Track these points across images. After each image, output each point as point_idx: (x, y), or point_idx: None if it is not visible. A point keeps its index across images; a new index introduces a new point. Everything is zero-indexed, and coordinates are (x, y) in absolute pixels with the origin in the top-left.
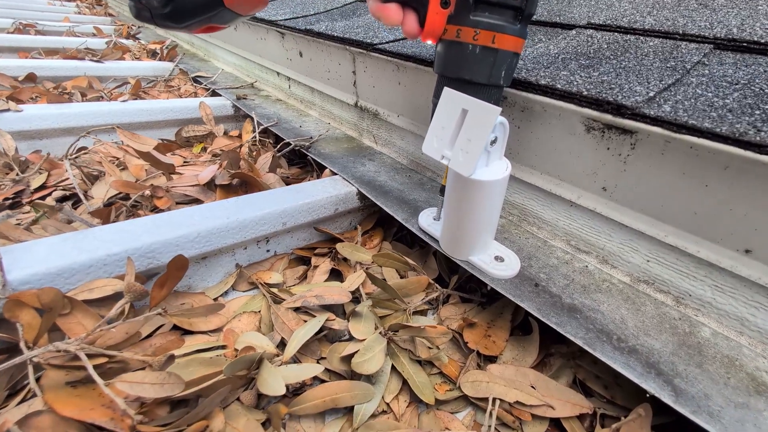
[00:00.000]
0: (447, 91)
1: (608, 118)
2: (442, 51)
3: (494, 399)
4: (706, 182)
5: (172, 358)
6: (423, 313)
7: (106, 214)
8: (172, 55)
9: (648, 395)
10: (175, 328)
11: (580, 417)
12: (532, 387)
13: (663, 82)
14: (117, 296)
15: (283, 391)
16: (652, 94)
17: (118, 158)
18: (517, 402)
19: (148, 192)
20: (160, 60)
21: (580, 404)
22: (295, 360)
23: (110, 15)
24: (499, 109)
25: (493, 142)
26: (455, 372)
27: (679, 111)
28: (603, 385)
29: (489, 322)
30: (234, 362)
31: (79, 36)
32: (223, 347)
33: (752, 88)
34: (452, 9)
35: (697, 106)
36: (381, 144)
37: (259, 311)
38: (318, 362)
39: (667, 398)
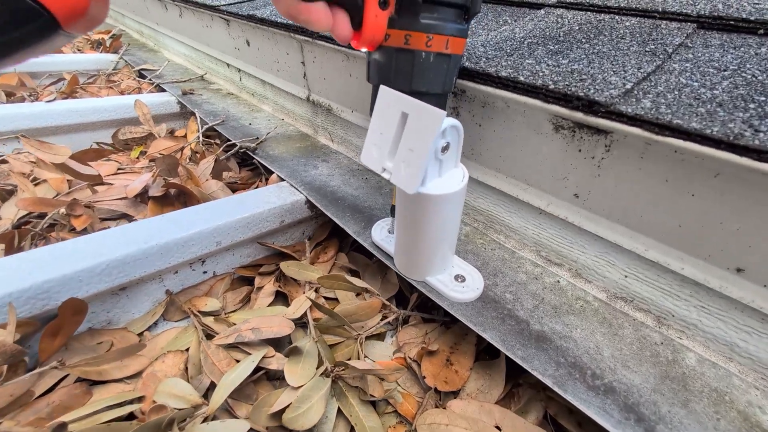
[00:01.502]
0: (384, 90)
1: (579, 116)
2: (385, 60)
3: None
4: (692, 191)
5: (61, 427)
6: (380, 336)
7: (9, 239)
8: (116, 46)
9: None
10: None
11: None
12: (497, 428)
13: (642, 70)
14: None
15: None
16: (629, 85)
17: (29, 172)
18: None
19: (63, 210)
20: (103, 51)
21: None
22: (227, 408)
23: None
24: (444, 113)
25: (445, 148)
26: (412, 410)
27: (661, 107)
28: (576, 421)
29: (452, 347)
30: None
31: None
32: (141, 399)
33: (743, 74)
34: (392, 10)
35: (682, 99)
36: (337, 142)
37: (188, 349)
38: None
39: None
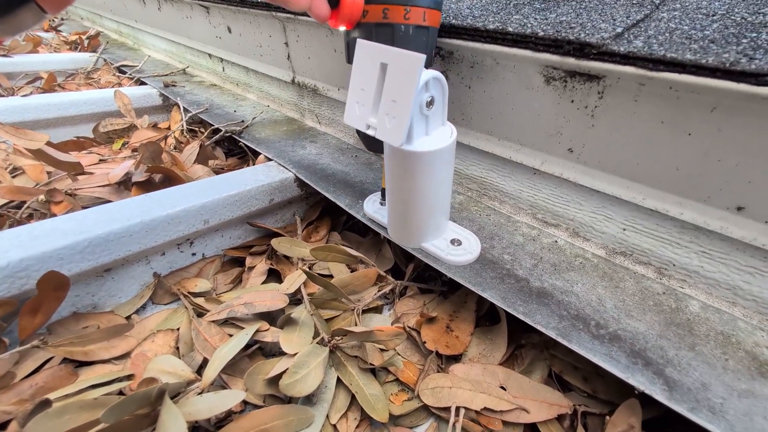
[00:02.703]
0: (361, 44)
1: (571, 61)
2: (365, 37)
3: (458, 408)
4: (689, 130)
5: (45, 404)
6: (378, 309)
7: None
8: (94, 45)
9: (637, 392)
10: (73, 360)
11: (559, 418)
12: (502, 388)
13: (630, 18)
14: None
15: None
16: (619, 30)
17: (7, 162)
18: (486, 408)
19: (42, 197)
20: (81, 51)
21: (558, 403)
22: (222, 384)
23: None
24: (422, 57)
25: (430, 103)
26: (414, 377)
27: (654, 45)
28: (582, 377)
29: (451, 314)
30: (120, 404)
31: None
32: (130, 377)
33: (732, 18)
34: None
35: (674, 39)
36: (325, 123)
37: (178, 328)
38: None
39: (659, 394)
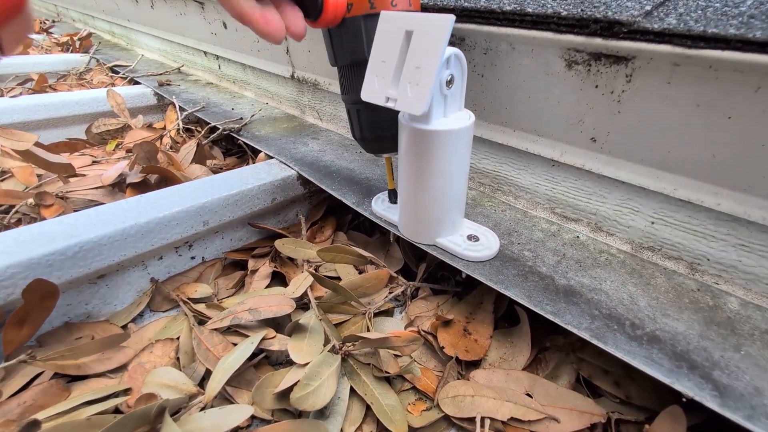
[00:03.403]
0: (385, 14)
1: (598, 42)
2: (353, 32)
3: (483, 418)
4: (729, 113)
5: (33, 425)
6: (389, 312)
7: None
8: (86, 46)
9: (684, 399)
10: (65, 374)
11: (592, 427)
12: (528, 395)
13: None
14: None
15: None
16: (648, 7)
17: None
18: (513, 419)
19: (32, 201)
20: (72, 52)
21: (590, 411)
22: (226, 397)
23: None
24: (452, 17)
25: (450, 82)
26: (433, 385)
27: (689, 22)
28: (614, 381)
29: (467, 316)
30: (115, 425)
31: None
32: (127, 392)
33: None
34: None
35: (708, 15)
36: (326, 120)
37: (178, 338)
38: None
39: (710, 401)
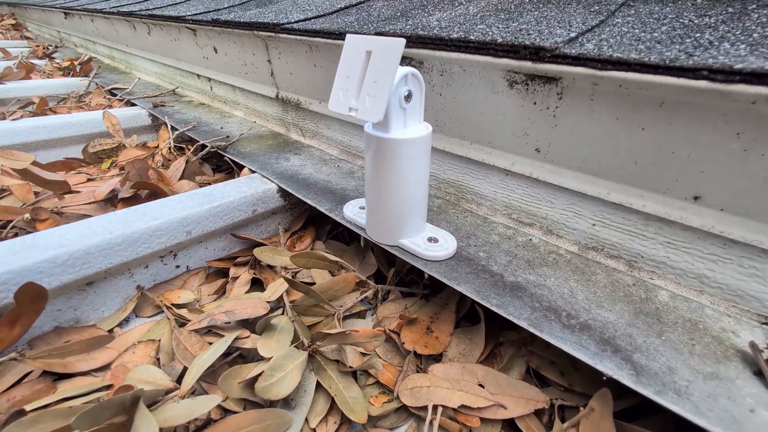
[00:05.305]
0: (350, 37)
1: (528, 65)
2: None
3: (435, 406)
4: (642, 125)
5: (18, 413)
6: (360, 315)
7: None
8: (86, 69)
9: (605, 377)
10: (52, 373)
11: (537, 412)
12: (481, 385)
13: (586, 24)
14: None
15: None
16: (573, 34)
17: None
18: (463, 406)
19: (28, 216)
20: (73, 76)
21: (535, 398)
22: (201, 393)
23: (27, 38)
24: (402, 41)
25: (408, 97)
26: (394, 378)
27: (604, 47)
28: (559, 371)
29: (432, 317)
30: (93, 410)
31: None
32: (109, 387)
33: (681, 20)
34: None
35: (623, 41)
36: (309, 136)
37: (159, 339)
38: None
39: (626, 379)
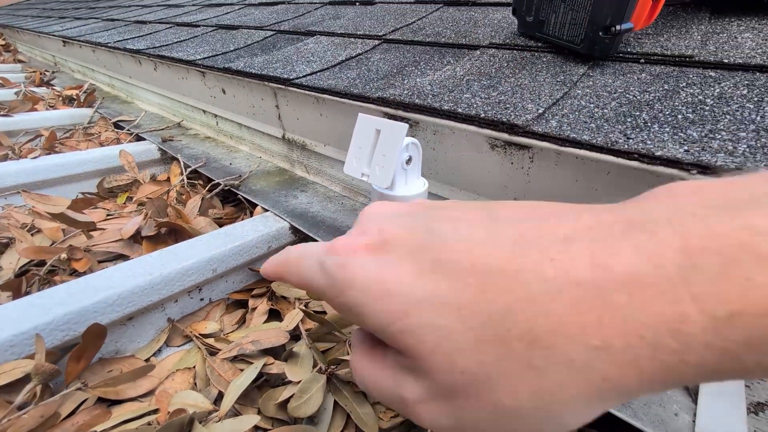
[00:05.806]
0: (361, 117)
1: (505, 137)
2: None
3: None
4: (595, 186)
5: None
6: None
7: (16, 285)
8: (90, 100)
9: None
10: (103, 400)
11: None
12: None
13: (552, 97)
14: (28, 379)
15: None
16: (541, 110)
17: (28, 223)
18: None
19: (64, 255)
20: (77, 107)
21: None
22: (235, 413)
23: (20, 62)
24: (406, 126)
25: (409, 161)
26: None
27: (564, 125)
28: None
29: None
30: (160, 430)
31: None
32: (156, 411)
33: (627, 96)
34: None
35: (580, 118)
36: (313, 173)
37: (194, 366)
38: (259, 412)
39: None
